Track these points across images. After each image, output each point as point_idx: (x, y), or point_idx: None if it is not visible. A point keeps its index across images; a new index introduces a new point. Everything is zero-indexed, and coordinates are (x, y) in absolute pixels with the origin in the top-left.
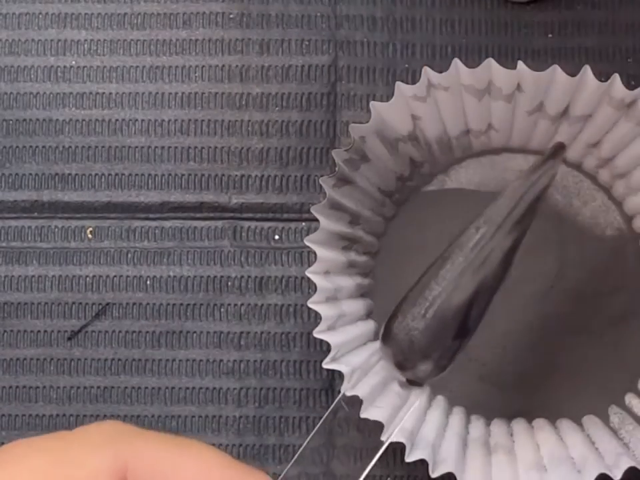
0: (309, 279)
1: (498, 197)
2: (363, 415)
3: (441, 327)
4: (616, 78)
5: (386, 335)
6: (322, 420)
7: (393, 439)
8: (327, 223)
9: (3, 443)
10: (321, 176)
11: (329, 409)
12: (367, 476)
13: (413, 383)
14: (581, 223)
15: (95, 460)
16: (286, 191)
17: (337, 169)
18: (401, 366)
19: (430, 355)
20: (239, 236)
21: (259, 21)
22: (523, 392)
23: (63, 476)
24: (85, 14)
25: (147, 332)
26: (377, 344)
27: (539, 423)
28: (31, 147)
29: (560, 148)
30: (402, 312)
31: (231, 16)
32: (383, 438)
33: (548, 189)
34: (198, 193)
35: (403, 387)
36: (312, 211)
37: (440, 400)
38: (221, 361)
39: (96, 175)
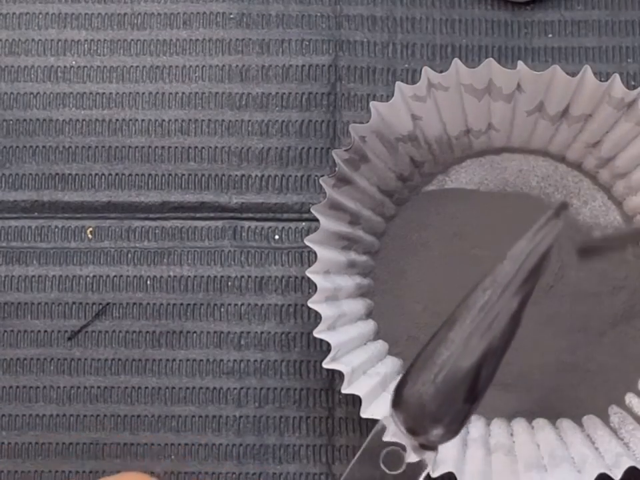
0: (309, 278)
1: (503, 259)
2: (363, 415)
3: (451, 391)
4: (616, 78)
5: (396, 401)
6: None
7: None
8: (327, 223)
9: (3, 443)
10: (321, 176)
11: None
12: (368, 477)
13: (425, 447)
14: (581, 222)
15: None
16: (286, 191)
17: (336, 168)
18: (412, 431)
19: (441, 419)
20: (239, 236)
21: (258, 21)
22: (523, 392)
23: None
24: (85, 14)
25: (147, 332)
26: (377, 343)
27: (539, 422)
28: (31, 147)
29: (563, 207)
30: (411, 377)
31: (231, 16)
32: (384, 439)
33: (552, 248)
34: (198, 193)
35: (416, 451)
36: (312, 210)
37: None
38: (221, 360)
39: (96, 175)
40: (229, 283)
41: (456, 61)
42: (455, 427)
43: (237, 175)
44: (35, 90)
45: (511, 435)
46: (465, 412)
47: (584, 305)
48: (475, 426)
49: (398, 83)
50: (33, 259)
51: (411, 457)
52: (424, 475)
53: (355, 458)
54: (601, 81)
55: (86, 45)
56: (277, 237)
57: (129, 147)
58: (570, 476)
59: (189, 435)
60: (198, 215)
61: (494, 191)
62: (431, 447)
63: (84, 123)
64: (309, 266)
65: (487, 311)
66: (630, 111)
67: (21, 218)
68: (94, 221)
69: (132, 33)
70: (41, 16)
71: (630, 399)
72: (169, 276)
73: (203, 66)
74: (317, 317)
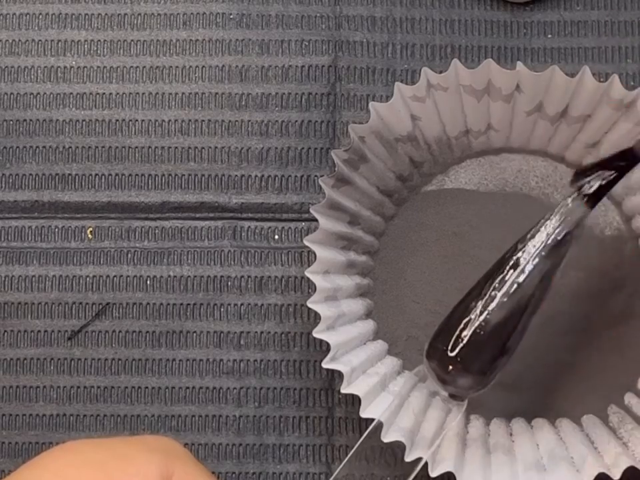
0: (308, 278)
1: (539, 223)
2: (362, 415)
3: (479, 343)
4: (615, 78)
5: (430, 351)
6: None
7: (392, 438)
8: (326, 223)
9: (3, 443)
10: (321, 176)
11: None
12: (367, 476)
13: (454, 397)
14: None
15: (148, 460)
16: (286, 191)
17: (336, 169)
18: (442, 380)
19: (469, 369)
20: (239, 236)
21: (258, 21)
22: (523, 392)
23: (117, 468)
24: (85, 14)
25: (147, 332)
26: (376, 343)
27: (539, 422)
28: (31, 147)
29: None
30: (444, 329)
31: (231, 16)
32: (383, 439)
33: (586, 217)
34: (198, 193)
35: (445, 401)
36: (311, 211)
37: (439, 400)
38: (221, 360)
39: (96, 175)
40: (229, 283)
41: (455, 61)
42: (482, 378)
43: (236, 175)
44: (35, 90)
45: (510, 434)
46: (493, 365)
47: (584, 305)
48: (474, 426)
49: (397, 84)
50: (33, 258)
51: (409, 457)
52: (418, 468)
53: (349, 454)
54: (600, 81)
55: (86, 45)
56: (276, 236)
57: (129, 147)
58: (569, 475)
59: (189, 434)
60: (198, 215)
61: (493, 191)
62: (460, 396)
63: (84, 123)
64: (309, 266)
65: (518, 272)
66: (629, 112)
67: (21, 218)
68: (94, 221)
69: (132, 33)
70: (41, 16)
71: (629, 398)
72: (169, 276)
73: (203, 66)
74: (316, 317)
